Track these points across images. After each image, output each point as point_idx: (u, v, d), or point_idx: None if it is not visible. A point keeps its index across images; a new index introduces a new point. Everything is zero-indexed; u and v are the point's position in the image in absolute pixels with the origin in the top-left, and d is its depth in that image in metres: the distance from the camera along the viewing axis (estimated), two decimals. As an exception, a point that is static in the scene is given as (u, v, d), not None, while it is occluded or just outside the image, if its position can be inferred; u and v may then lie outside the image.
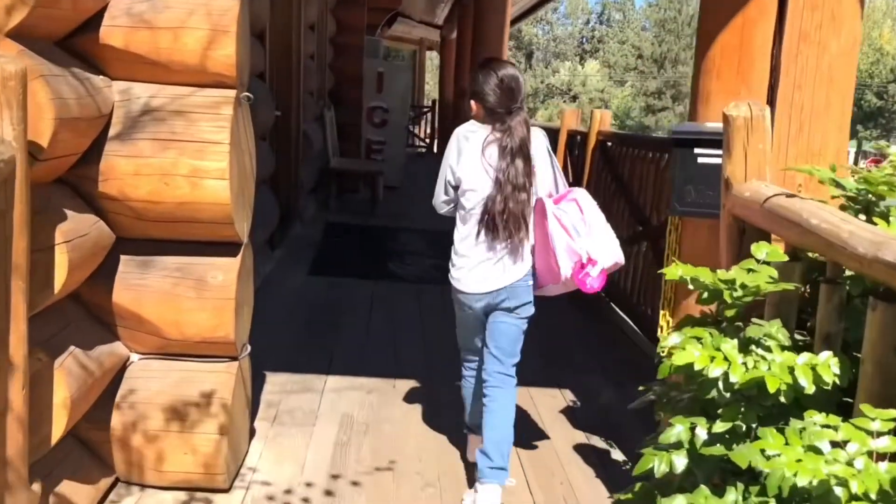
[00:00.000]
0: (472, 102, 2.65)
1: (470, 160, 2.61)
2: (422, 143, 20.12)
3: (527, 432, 3.31)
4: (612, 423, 3.47)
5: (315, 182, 8.53)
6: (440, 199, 2.80)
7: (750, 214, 1.94)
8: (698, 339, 1.74)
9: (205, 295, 2.47)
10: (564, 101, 54.91)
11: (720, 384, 1.66)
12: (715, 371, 1.64)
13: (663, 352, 2.04)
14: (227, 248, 2.54)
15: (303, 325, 4.48)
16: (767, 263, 1.78)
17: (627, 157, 5.29)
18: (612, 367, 4.22)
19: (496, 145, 2.56)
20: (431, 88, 33.09)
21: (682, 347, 1.75)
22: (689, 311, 2.62)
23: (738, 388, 1.64)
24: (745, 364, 1.65)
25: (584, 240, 2.52)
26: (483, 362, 2.73)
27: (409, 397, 3.58)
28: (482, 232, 2.57)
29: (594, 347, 4.53)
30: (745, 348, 1.70)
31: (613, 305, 5.32)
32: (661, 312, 2.81)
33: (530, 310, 2.68)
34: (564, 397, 3.76)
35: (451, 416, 3.41)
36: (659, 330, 2.82)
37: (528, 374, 3.53)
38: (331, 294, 5.15)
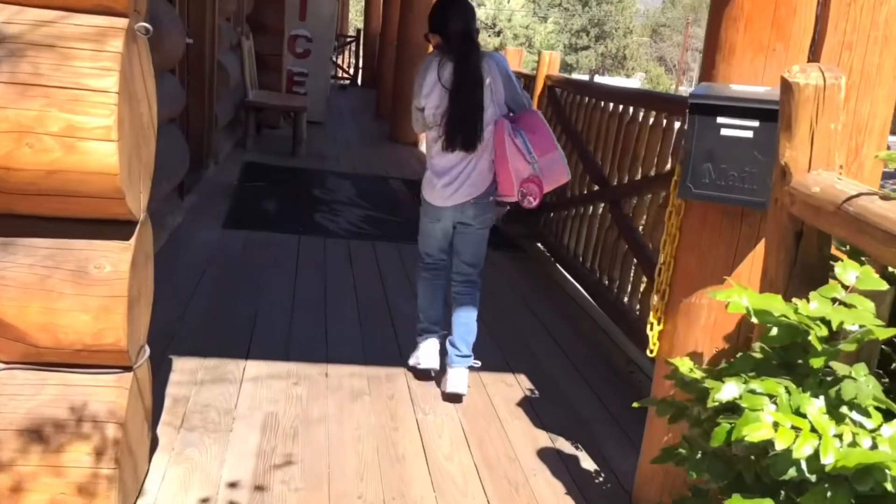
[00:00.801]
0: (431, 35, 2.96)
1: (431, 86, 2.89)
2: (345, 75, 19.17)
3: (483, 433, 2.87)
4: (577, 420, 3.06)
5: (231, 118, 7.76)
6: (415, 122, 3.05)
7: (818, 217, 1.47)
8: (768, 395, 1.28)
9: (87, 290, 1.87)
10: (489, 36, 53.92)
11: (804, 464, 1.21)
12: (804, 449, 1.18)
13: (688, 387, 1.59)
14: (116, 227, 1.94)
15: (216, 293, 3.87)
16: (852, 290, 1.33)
17: (583, 108, 4.80)
18: (569, 346, 3.81)
19: (452, 70, 2.84)
20: (356, 17, 31.74)
21: (740, 399, 1.30)
22: (691, 317, 2.18)
23: (829, 471, 1.19)
24: (838, 437, 1.21)
25: (534, 163, 2.80)
26: (452, 270, 3.18)
27: (345, 387, 3.07)
28: (447, 147, 2.89)
29: (547, 322, 4.10)
30: (833, 410, 1.25)
31: (561, 269, 4.91)
32: (653, 307, 2.36)
33: (492, 220, 3.13)
34: (521, 385, 3.32)
35: (398, 410, 2.94)
36: (648, 327, 2.37)
37: (479, 355, 3.12)
38: (249, 252, 4.54)
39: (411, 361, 3.25)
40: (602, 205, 4.34)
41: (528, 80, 6.15)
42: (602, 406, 3.22)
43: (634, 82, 56.13)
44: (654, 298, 2.37)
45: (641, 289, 3.70)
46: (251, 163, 7.22)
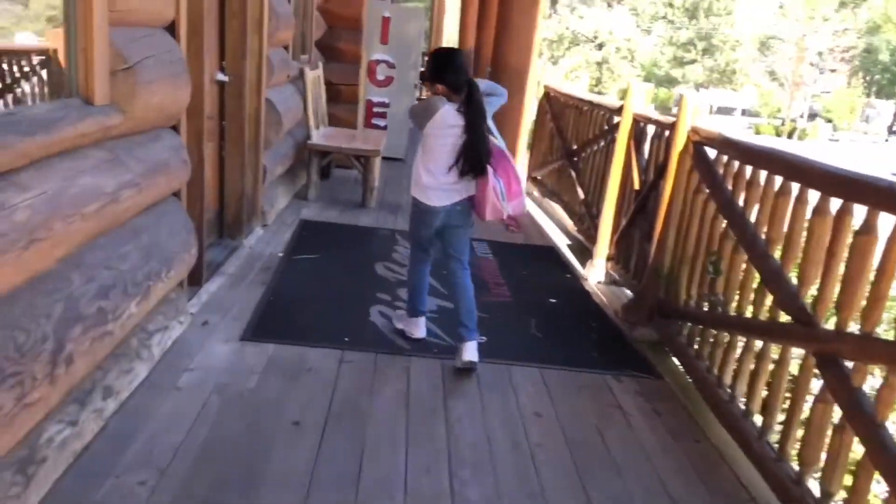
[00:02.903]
0: (437, 85, 3.41)
1: (443, 128, 3.40)
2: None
3: None
4: None
5: (291, 163, 6.52)
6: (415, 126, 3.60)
7: None
8: None
9: None
10: (590, 50, 52.02)
11: None
12: None
13: None
14: None
15: (196, 474, 2.53)
16: None
17: (755, 186, 3.24)
18: None
19: (462, 112, 3.38)
20: (452, 34, 30.55)
21: None
22: None
23: None
24: None
25: (505, 203, 3.51)
26: (448, 263, 3.80)
27: None
28: (452, 167, 3.45)
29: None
30: None
31: (715, 417, 3.36)
32: None
33: (472, 221, 3.72)
34: None
35: None
36: None
37: None
38: (263, 390, 3.18)
39: (405, 327, 3.91)
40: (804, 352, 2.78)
41: (660, 128, 4.63)
42: None
43: (743, 98, 53.03)
44: None
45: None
46: (308, 221, 5.94)
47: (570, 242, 6.34)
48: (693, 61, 55.11)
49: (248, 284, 4.36)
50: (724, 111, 49.71)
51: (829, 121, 48.54)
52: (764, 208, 3.11)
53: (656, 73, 53.50)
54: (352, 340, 3.75)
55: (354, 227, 5.99)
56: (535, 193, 8.14)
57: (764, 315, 3.00)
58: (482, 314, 4.29)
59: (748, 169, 3.32)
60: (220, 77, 4.72)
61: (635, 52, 53.21)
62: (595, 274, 5.34)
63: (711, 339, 3.48)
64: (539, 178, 8.08)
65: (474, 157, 3.40)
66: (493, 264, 5.39)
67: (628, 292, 5.01)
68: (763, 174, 3.18)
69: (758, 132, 43.79)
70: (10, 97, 2.64)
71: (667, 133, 4.51)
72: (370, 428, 2.96)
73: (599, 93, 35.66)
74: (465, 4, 15.68)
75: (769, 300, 2.96)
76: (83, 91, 2.55)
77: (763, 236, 3.06)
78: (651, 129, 4.85)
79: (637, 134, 5.06)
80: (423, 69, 3.94)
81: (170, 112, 3.24)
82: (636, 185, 4.90)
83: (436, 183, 3.50)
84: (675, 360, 3.98)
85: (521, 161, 8.55)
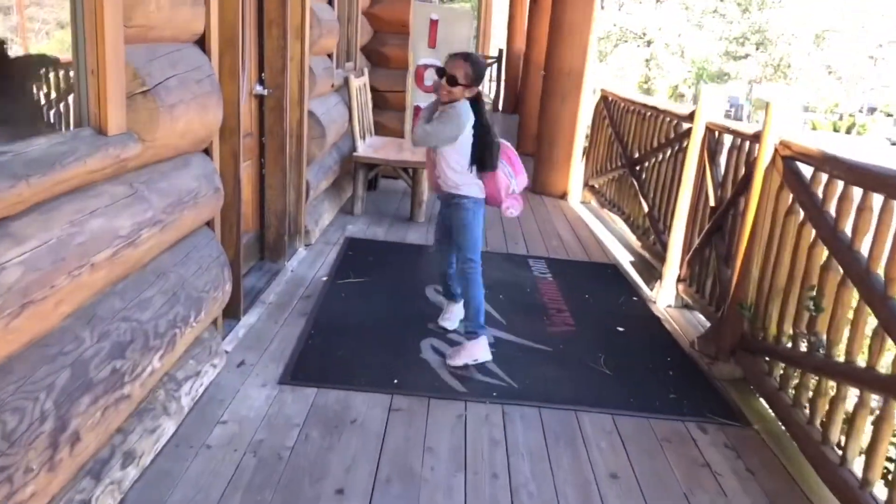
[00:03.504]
0: (466, 87, 3.52)
1: (470, 127, 3.55)
2: (485, 99, 17.53)
3: None
4: None
5: (335, 177, 6.20)
6: (425, 137, 3.60)
7: None
8: None
9: None
10: (638, 47, 51.00)
11: None
12: None
13: None
14: None
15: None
16: None
17: (865, 212, 2.79)
18: None
19: (478, 114, 3.57)
20: (501, 35, 30.10)
21: None
22: None
23: None
24: None
25: (512, 181, 3.73)
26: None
27: None
28: (478, 170, 3.63)
29: None
30: None
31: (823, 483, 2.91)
32: None
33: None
34: None
35: None
36: None
37: None
38: (305, 443, 2.84)
39: (476, 356, 3.68)
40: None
41: (739, 139, 4.19)
42: None
43: (798, 93, 51.42)
44: None
45: None
46: (354, 239, 5.61)
47: (633, 259, 5.89)
48: (746, 56, 53.70)
49: (289, 315, 4.04)
50: (779, 107, 48.17)
51: (890, 115, 46.79)
52: (880, 240, 2.66)
53: (707, 70, 52.26)
54: (401, 382, 3.39)
55: (403, 246, 5.64)
56: (592, 203, 7.70)
57: (885, 367, 2.55)
58: (544, 347, 3.91)
59: (856, 191, 2.87)
60: (259, 90, 4.41)
61: (686, 49, 52.03)
62: (664, 296, 4.90)
63: (813, 386, 3.02)
64: (596, 186, 7.64)
65: (494, 154, 3.61)
66: (553, 286, 4.99)
67: (702, 317, 4.57)
68: (877, 198, 2.72)
69: (814, 128, 42.38)
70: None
71: (748, 144, 4.06)
72: (424, 496, 2.59)
73: (648, 91, 34.81)
74: (514, 3, 15.26)
75: (891, 347, 2.51)
76: (94, 119, 2.23)
77: (881, 273, 2.61)
78: (728, 139, 4.40)
79: (711, 144, 4.60)
80: (440, 68, 3.62)
81: (199, 136, 2.91)
82: (711, 202, 4.45)
83: (468, 175, 3.63)
84: (763, 401, 3.53)
85: (577, 168, 8.12)
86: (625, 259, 5.90)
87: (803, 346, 3.16)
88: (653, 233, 5.58)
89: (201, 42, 3.07)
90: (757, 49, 53.97)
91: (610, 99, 7.40)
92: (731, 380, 3.76)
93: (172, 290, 2.65)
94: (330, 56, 5.87)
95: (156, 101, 2.43)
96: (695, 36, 53.55)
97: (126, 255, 2.28)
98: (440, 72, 3.57)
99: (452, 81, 3.48)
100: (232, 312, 3.79)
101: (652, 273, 5.34)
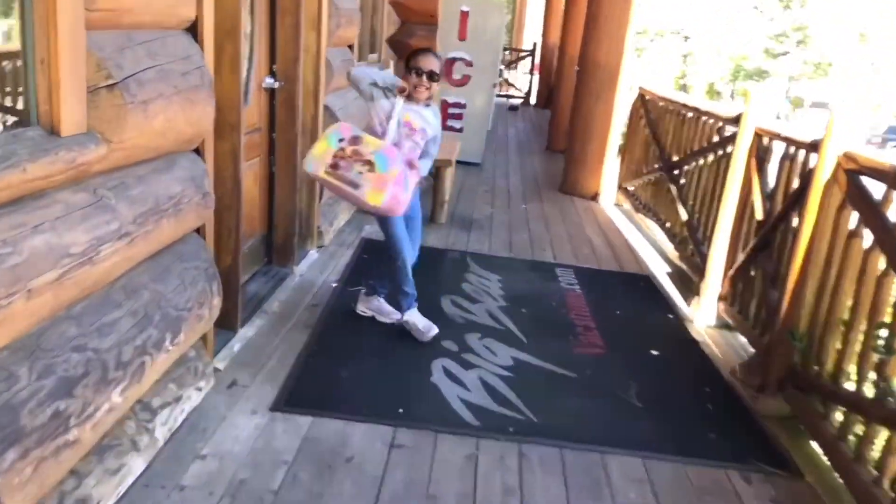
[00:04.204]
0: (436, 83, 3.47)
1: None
2: (518, 94, 17.13)
3: None
4: None
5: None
6: (361, 76, 3.57)
7: None
8: None
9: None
10: (675, 43, 50.01)
11: None
12: None
13: None
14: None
15: None
16: None
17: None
18: None
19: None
20: (536, 28, 29.58)
21: None
22: None
23: None
24: None
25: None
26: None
27: None
28: None
29: None
30: None
31: None
32: None
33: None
34: None
35: None
36: None
37: None
38: (292, 486, 2.50)
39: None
40: None
41: (793, 147, 3.78)
42: None
43: (840, 91, 50.14)
44: None
45: None
46: (370, 241, 5.26)
47: (668, 270, 5.49)
48: (786, 53, 52.46)
49: (291, 327, 3.71)
50: (820, 105, 47.15)
51: (936, 117, 45.41)
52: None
53: (745, 67, 51.14)
54: (407, 412, 3.04)
55: (421, 249, 5.27)
56: (626, 206, 7.29)
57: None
58: (569, 372, 3.54)
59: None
60: (270, 83, 4.08)
61: (723, 45, 50.98)
62: (703, 315, 4.49)
63: (882, 440, 2.63)
64: (630, 189, 7.23)
65: None
66: (581, 299, 4.61)
67: (744, 340, 4.17)
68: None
69: (857, 129, 41.23)
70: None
71: (803, 154, 3.65)
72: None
73: (683, 88, 34.05)
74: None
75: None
76: (45, 118, 1.90)
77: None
78: (779, 147, 3.98)
79: (760, 151, 4.18)
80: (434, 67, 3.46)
81: (184, 135, 2.58)
82: (758, 215, 4.03)
83: None
84: (816, 446, 3.13)
85: (610, 168, 7.71)
86: (660, 270, 5.49)
87: (869, 391, 2.76)
88: (691, 243, 5.17)
89: (194, 30, 2.73)
90: (797, 46, 52.69)
91: (648, 97, 6.98)
92: (778, 417, 3.36)
93: (144, 310, 2.33)
94: (350, 47, 5.53)
95: (124, 97, 2.09)
96: (733, 32, 52.46)
97: (80, 274, 1.95)
98: (417, 71, 3.42)
99: (433, 77, 3.42)
100: (228, 324, 3.47)
101: (689, 287, 4.94)
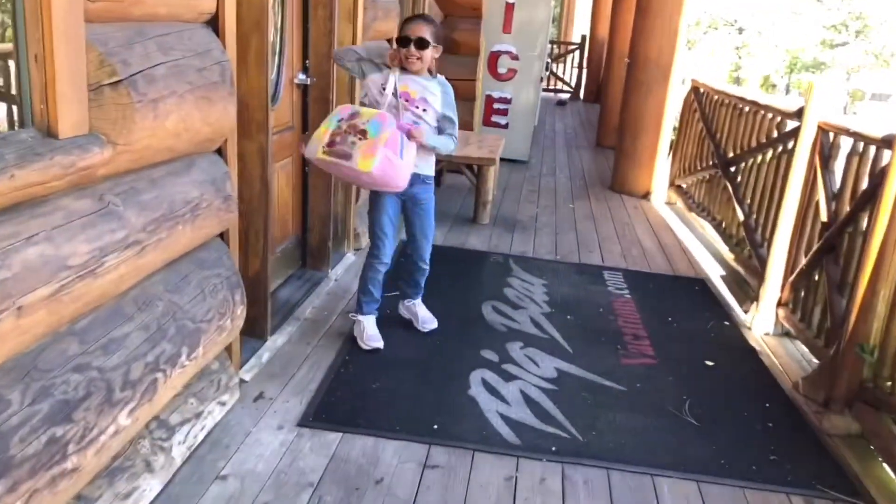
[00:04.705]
0: (436, 48, 3.24)
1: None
2: (566, 88, 16.81)
3: None
4: None
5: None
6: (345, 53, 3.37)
7: None
8: None
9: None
10: (729, 34, 48.94)
11: None
12: None
13: None
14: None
15: None
16: None
17: None
18: None
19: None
20: (584, 20, 29.16)
21: None
22: None
23: None
24: None
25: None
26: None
27: None
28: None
29: None
30: None
31: None
32: None
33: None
34: None
35: None
36: None
37: None
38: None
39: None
40: None
41: (862, 143, 3.49)
42: None
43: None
44: None
45: None
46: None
47: (723, 273, 5.20)
48: (844, 44, 50.93)
49: (323, 335, 3.56)
50: (880, 98, 45.63)
51: None
52: None
53: (802, 59, 49.79)
54: (442, 428, 2.85)
55: (462, 252, 5.10)
56: (678, 205, 6.99)
57: None
58: (617, 385, 3.32)
59: None
60: (302, 79, 3.93)
61: (779, 36, 49.71)
62: (761, 322, 4.21)
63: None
64: (683, 187, 6.92)
65: None
66: (631, 305, 4.36)
67: (806, 350, 3.89)
68: None
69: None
70: None
71: (873, 150, 3.36)
72: None
73: (737, 80, 33.24)
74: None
75: None
76: (40, 118, 1.76)
77: None
78: (846, 142, 3.68)
79: (824, 148, 3.89)
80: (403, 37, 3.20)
81: (201, 135, 2.42)
82: (823, 216, 3.74)
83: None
84: (887, 467, 2.86)
85: (662, 165, 7.41)
86: (714, 273, 5.21)
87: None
88: (748, 245, 4.87)
89: (215, 23, 2.58)
90: (857, 37, 51.11)
91: (701, 90, 6.67)
92: (846, 436, 3.08)
93: (158, 323, 2.18)
94: (389, 41, 5.34)
95: (130, 95, 1.94)
96: (789, 23, 51.07)
97: (81, 288, 1.80)
98: (403, 41, 3.17)
99: (422, 44, 3.14)
100: (257, 332, 3.33)
101: (746, 292, 4.66)
